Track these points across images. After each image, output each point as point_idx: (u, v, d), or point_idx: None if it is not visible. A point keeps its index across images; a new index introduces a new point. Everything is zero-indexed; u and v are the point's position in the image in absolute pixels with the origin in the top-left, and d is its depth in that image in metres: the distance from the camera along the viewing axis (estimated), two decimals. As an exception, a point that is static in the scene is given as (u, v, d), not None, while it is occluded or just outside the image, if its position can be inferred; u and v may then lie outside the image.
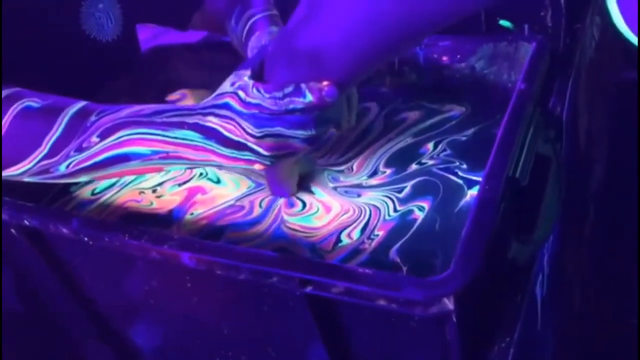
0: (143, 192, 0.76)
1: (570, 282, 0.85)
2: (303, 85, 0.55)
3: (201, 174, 0.78)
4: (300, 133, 0.57)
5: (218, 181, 0.76)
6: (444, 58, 0.82)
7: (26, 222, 0.65)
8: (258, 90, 0.56)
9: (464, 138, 0.77)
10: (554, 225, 0.65)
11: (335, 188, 0.72)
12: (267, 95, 0.56)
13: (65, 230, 0.63)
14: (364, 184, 0.72)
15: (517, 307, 0.61)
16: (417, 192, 0.70)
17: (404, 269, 0.61)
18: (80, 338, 0.82)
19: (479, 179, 0.68)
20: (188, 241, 0.59)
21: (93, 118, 0.61)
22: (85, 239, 0.62)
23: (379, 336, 0.59)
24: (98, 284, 0.73)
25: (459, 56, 0.82)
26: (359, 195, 0.71)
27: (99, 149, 0.60)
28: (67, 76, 0.74)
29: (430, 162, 0.74)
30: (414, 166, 0.74)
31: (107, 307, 0.75)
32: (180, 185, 0.77)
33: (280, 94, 0.56)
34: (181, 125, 0.58)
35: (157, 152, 0.59)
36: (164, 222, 0.72)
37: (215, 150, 0.58)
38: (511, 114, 0.64)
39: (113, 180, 0.79)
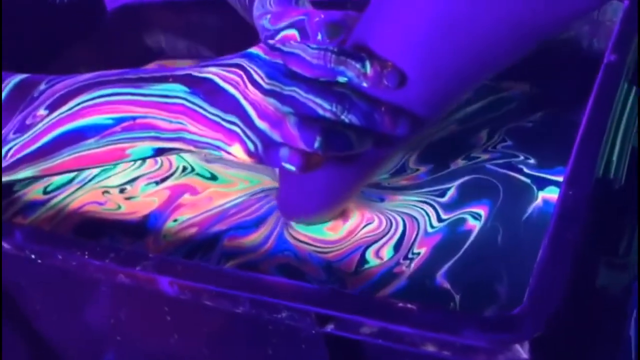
0: (108, 192, 0.76)
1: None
2: (363, 54, 0.56)
3: (185, 168, 0.78)
4: (318, 101, 0.56)
5: (213, 177, 0.76)
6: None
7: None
8: (303, 42, 0.58)
9: (529, 124, 0.78)
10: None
11: None
12: (314, 46, 0.57)
13: (5, 245, 0.62)
14: (386, 184, 0.72)
15: (607, 353, 0.60)
16: (468, 195, 0.70)
17: (456, 298, 0.61)
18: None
19: (553, 177, 0.70)
20: (168, 261, 0.57)
21: (42, 87, 0.61)
22: (32, 256, 0.61)
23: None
24: (49, 315, 0.71)
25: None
26: (382, 200, 0.71)
27: (45, 125, 0.60)
28: (17, 43, 0.75)
29: (484, 157, 0.74)
30: (460, 161, 0.74)
31: (61, 344, 0.73)
32: (158, 183, 0.77)
33: (334, 48, 0.56)
34: (164, 79, 0.59)
35: (121, 120, 0.59)
36: (137, 232, 0.71)
37: (194, 110, 0.58)
38: (598, 94, 0.63)
39: (71, 175, 0.78)
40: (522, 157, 0.73)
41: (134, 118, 0.59)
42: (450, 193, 0.70)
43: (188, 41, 0.96)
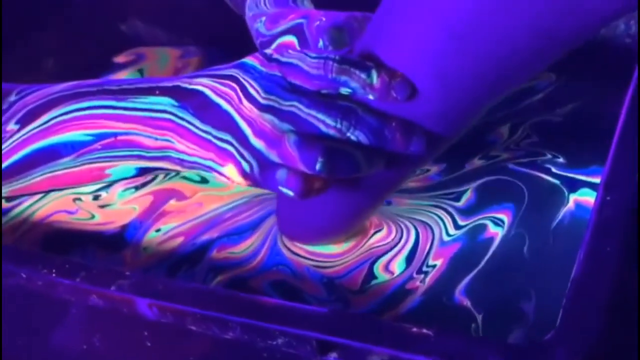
0: (79, 200, 0.74)
1: None
2: (369, 63, 0.55)
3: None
4: (320, 117, 0.55)
5: (203, 181, 0.76)
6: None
7: None
8: (301, 50, 0.58)
9: (556, 119, 0.77)
10: None
11: None
12: (314, 55, 0.56)
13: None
14: None
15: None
16: (488, 199, 0.69)
17: (478, 319, 0.60)
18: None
19: (586, 178, 0.69)
20: (146, 280, 0.57)
21: (12, 98, 0.62)
22: (-8, 274, 0.59)
23: None
24: (14, 339, 0.67)
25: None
26: (388, 203, 0.70)
27: (16, 141, 0.60)
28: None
29: (505, 155, 0.74)
30: (477, 161, 0.74)
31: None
32: (138, 188, 0.76)
33: (335, 57, 0.55)
34: (149, 91, 0.59)
35: (100, 137, 0.59)
36: (113, 245, 0.70)
37: (182, 126, 0.58)
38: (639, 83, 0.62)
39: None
40: (549, 156, 0.73)
41: (115, 134, 0.59)
42: (467, 196, 0.70)
43: (169, 27, 0.96)
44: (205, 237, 0.70)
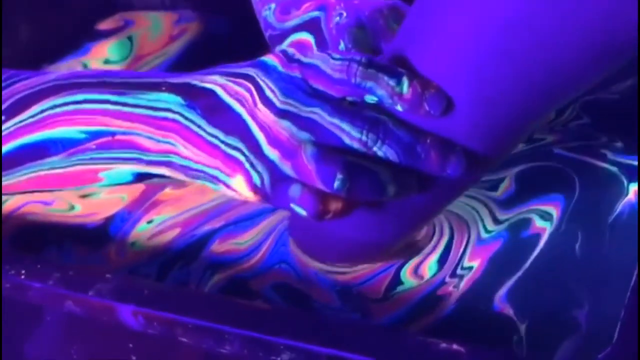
0: None
1: None
2: (401, 70, 0.54)
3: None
4: (343, 127, 0.54)
5: None
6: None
7: None
8: (324, 50, 0.59)
9: (612, 97, 0.77)
10: None
11: None
12: (337, 56, 0.55)
13: None
14: None
15: None
16: (531, 189, 0.69)
17: (521, 329, 0.59)
18: None
19: None
20: (130, 283, 0.57)
21: None
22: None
23: None
24: None
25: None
26: None
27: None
28: None
29: (550, 138, 0.74)
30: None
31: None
32: None
33: (361, 59, 0.54)
34: (155, 87, 0.59)
35: (96, 135, 0.59)
36: (95, 241, 0.70)
37: (189, 129, 0.58)
38: None
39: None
40: (604, 139, 0.73)
41: (112, 133, 0.59)
42: (505, 185, 0.70)
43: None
44: (207, 227, 0.69)
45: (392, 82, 0.54)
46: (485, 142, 0.55)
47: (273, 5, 0.72)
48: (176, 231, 0.69)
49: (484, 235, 0.66)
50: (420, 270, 0.64)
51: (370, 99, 0.55)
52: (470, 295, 0.62)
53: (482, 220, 0.67)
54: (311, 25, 0.68)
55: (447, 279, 0.63)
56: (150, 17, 0.95)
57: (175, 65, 0.90)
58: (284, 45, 0.69)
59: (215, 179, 0.58)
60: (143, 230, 0.70)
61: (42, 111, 0.60)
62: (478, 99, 0.54)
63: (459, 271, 0.63)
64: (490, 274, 0.63)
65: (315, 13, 0.68)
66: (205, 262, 0.67)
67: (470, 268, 0.64)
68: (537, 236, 0.65)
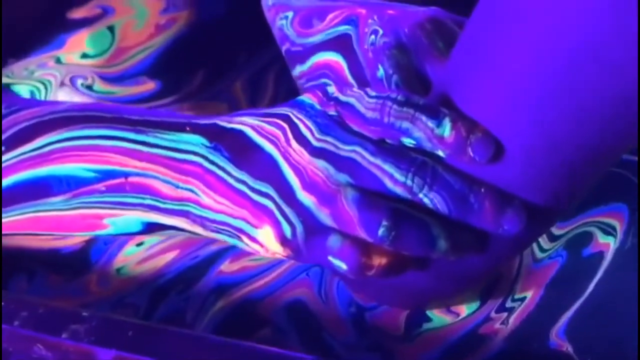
0: None
1: None
2: (444, 110, 0.53)
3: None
4: (387, 169, 0.52)
5: None
6: None
7: None
8: (357, 75, 0.61)
9: None
10: None
11: None
12: (373, 94, 0.54)
13: None
14: None
15: None
16: (590, 197, 0.64)
17: None
18: None
19: None
20: (112, 324, 0.55)
21: (2, 110, 0.62)
22: None
23: None
24: None
25: None
26: None
27: None
28: None
29: None
30: None
31: None
32: None
33: (396, 97, 0.53)
34: (178, 127, 0.58)
35: (107, 175, 0.58)
36: (74, 266, 0.68)
37: (212, 173, 0.56)
38: None
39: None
40: None
41: (126, 174, 0.57)
42: None
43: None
44: (214, 247, 0.67)
45: (431, 124, 0.52)
46: (543, 195, 0.53)
47: (290, 14, 0.69)
48: (173, 253, 0.67)
49: (539, 255, 0.62)
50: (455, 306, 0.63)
51: (408, 141, 0.52)
52: (521, 332, 0.59)
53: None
54: (340, 44, 0.65)
55: (493, 315, 0.60)
56: (133, 3, 0.88)
57: (163, 59, 0.84)
58: (307, 66, 0.67)
59: (239, 232, 0.55)
60: (131, 254, 0.68)
61: (48, 144, 0.58)
62: (537, 143, 0.51)
63: (508, 303, 0.60)
64: (546, 305, 0.60)
65: (344, 27, 0.66)
66: (209, 285, 0.65)
67: (522, 299, 0.60)
68: (600, 255, 0.62)
